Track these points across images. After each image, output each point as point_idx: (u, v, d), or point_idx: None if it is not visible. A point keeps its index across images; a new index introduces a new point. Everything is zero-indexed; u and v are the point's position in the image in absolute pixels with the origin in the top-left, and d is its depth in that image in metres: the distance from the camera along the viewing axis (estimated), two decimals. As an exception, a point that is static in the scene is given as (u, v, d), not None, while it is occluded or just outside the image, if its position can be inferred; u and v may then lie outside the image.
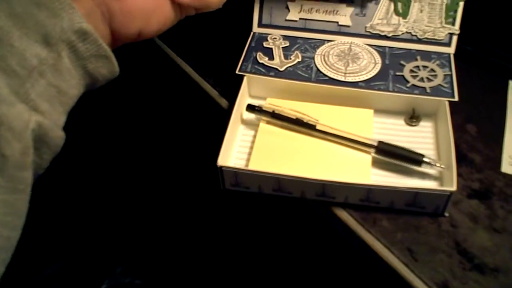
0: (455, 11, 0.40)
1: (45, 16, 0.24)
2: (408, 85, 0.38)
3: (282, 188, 0.34)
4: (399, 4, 0.41)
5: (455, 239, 0.32)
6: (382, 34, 0.41)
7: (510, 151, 0.38)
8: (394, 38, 0.41)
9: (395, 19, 0.41)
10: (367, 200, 0.33)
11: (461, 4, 0.40)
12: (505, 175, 0.36)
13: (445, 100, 0.37)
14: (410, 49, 0.41)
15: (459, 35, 0.42)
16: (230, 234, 0.65)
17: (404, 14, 0.41)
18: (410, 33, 0.41)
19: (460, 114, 0.40)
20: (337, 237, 0.35)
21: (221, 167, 0.34)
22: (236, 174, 0.34)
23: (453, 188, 0.31)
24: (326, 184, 0.33)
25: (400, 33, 0.41)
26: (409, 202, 0.33)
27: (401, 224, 0.33)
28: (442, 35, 0.40)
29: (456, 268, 0.31)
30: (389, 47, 0.41)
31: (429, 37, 0.41)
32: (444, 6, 0.40)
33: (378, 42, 0.41)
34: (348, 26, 0.42)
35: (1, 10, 0.23)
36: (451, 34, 0.40)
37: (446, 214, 0.33)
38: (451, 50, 0.40)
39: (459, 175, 0.36)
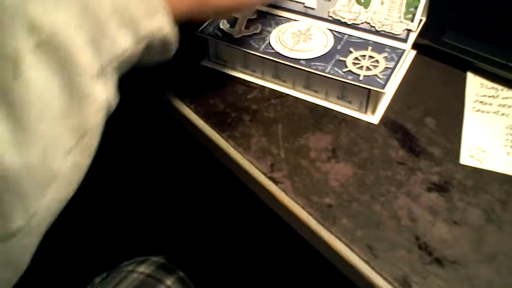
0: (416, 8, 0.41)
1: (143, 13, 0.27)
2: (345, 70, 0.40)
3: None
4: None
5: (414, 233, 0.33)
6: (343, 21, 0.43)
7: (469, 142, 0.38)
8: (353, 26, 0.43)
9: (356, 7, 0.43)
10: (309, 88, 0.41)
11: (423, 2, 0.40)
12: (464, 167, 0.37)
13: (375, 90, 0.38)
14: (367, 40, 0.42)
15: (421, 30, 0.43)
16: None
17: (365, 4, 0.42)
18: (369, 23, 0.42)
19: (419, 108, 0.41)
20: (298, 237, 0.36)
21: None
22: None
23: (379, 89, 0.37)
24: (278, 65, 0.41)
25: (359, 22, 0.42)
26: (339, 95, 0.39)
27: (361, 221, 0.34)
28: (399, 30, 0.41)
29: (416, 262, 0.31)
30: (348, 34, 0.43)
31: (387, 30, 0.42)
32: (404, 2, 0.41)
33: (338, 28, 0.43)
34: (313, 9, 0.44)
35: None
36: (408, 30, 0.41)
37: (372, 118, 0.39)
38: (407, 46, 0.41)
39: (418, 169, 0.37)
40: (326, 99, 0.42)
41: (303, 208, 0.35)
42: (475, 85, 0.43)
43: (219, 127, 0.40)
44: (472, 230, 0.33)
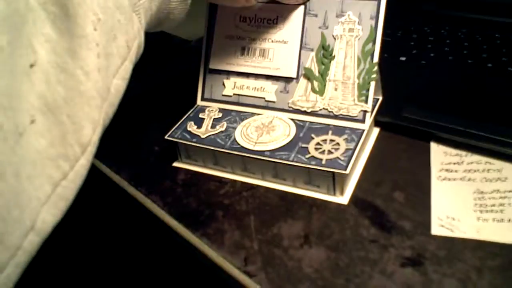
0: (367, 90, 0.43)
1: None
2: (307, 156, 0.41)
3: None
4: (316, 83, 0.45)
5: (392, 312, 0.33)
6: (302, 109, 0.45)
7: (439, 212, 0.39)
8: (313, 114, 0.45)
9: (312, 96, 0.45)
10: (277, 177, 0.43)
11: (373, 84, 0.43)
12: (436, 237, 0.37)
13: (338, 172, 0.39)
14: (328, 124, 0.44)
15: (380, 107, 0.45)
16: None
17: (320, 92, 0.45)
18: (326, 109, 0.44)
19: (387, 183, 0.42)
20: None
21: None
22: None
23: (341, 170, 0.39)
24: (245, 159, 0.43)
25: (318, 109, 0.45)
26: (307, 180, 0.41)
27: (337, 306, 0.33)
28: (355, 112, 0.43)
29: None
30: (309, 121, 0.45)
31: (344, 113, 0.44)
32: (356, 86, 0.44)
33: (299, 117, 0.45)
34: (273, 102, 0.46)
35: None
36: (364, 111, 0.43)
37: (342, 199, 0.41)
38: (365, 126, 0.43)
39: (390, 245, 0.37)
40: (295, 186, 0.43)
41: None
42: (440, 154, 0.45)
43: (193, 226, 0.41)
44: (449, 302, 0.33)
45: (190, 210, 0.43)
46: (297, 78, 0.46)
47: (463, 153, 0.44)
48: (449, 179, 0.42)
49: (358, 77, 0.43)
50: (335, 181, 0.40)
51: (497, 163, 0.43)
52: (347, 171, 0.39)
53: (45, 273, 0.69)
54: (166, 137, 0.46)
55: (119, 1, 0.29)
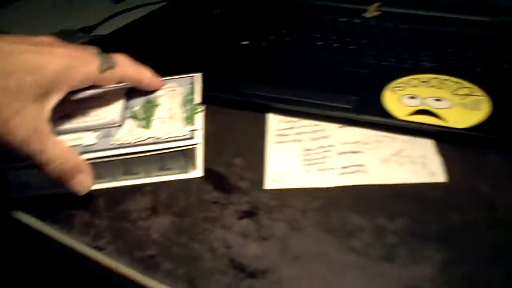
0: (193, 120, 0.45)
1: None
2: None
3: None
4: (141, 122, 0.46)
5: (229, 257, 0.37)
6: (127, 142, 0.44)
7: (272, 170, 0.45)
8: (139, 144, 0.44)
9: (138, 130, 0.45)
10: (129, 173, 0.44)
11: (198, 115, 0.46)
12: (269, 191, 0.43)
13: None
14: (157, 149, 0.43)
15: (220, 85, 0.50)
16: None
17: (146, 127, 0.45)
18: (153, 137, 0.44)
19: (229, 152, 0.47)
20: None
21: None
22: None
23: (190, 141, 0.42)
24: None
25: (145, 138, 0.44)
26: (159, 167, 0.43)
27: (181, 261, 0.37)
28: (184, 132, 0.44)
29: (232, 281, 0.35)
30: (135, 152, 0.43)
31: (172, 136, 0.44)
32: (182, 117, 0.46)
33: (124, 151, 0.43)
34: (93, 145, 0.44)
35: None
36: (192, 131, 0.44)
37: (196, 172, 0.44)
38: (196, 141, 0.43)
39: (230, 203, 0.42)
40: (149, 176, 0.45)
41: (128, 265, 0.38)
42: (275, 123, 0.51)
43: (42, 215, 0.43)
44: (278, 241, 0.38)
45: (38, 201, 0.44)
46: (121, 124, 0.46)
47: (295, 119, 0.51)
48: (282, 142, 0.48)
49: (184, 113, 0.46)
50: (186, 157, 0.44)
51: (322, 124, 0.50)
52: (196, 141, 0.43)
53: None
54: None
55: None
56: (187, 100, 0.48)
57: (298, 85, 0.53)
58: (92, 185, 0.42)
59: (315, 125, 0.50)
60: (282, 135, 0.49)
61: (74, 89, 0.43)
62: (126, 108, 0.48)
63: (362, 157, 0.45)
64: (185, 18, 0.75)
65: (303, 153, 0.46)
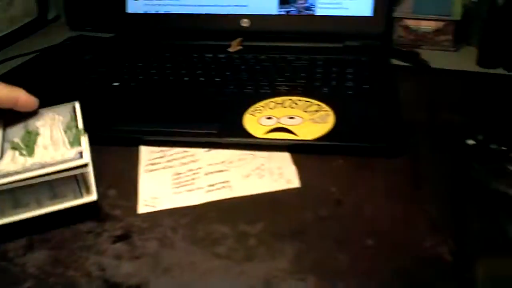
0: (79, 142, 0.46)
1: None
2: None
3: None
4: (23, 151, 0.45)
5: (104, 278, 0.40)
6: (11, 171, 0.42)
7: (144, 196, 0.48)
8: (25, 170, 0.42)
9: (21, 159, 0.44)
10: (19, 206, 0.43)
11: (83, 137, 0.46)
12: (142, 215, 0.46)
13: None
14: (45, 173, 0.42)
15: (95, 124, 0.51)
16: None
17: (29, 153, 0.44)
18: (40, 162, 0.43)
19: (102, 186, 0.50)
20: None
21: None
22: None
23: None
24: None
25: (30, 165, 0.43)
26: (51, 195, 0.43)
27: (57, 287, 0.39)
28: (71, 155, 0.44)
29: (107, 300, 0.38)
30: (22, 179, 0.42)
31: (59, 159, 0.43)
32: (67, 142, 0.46)
33: (10, 179, 0.41)
34: None
35: None
36: (80, 152, 0.44)
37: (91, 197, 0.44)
38: (85, 160, 0.43)
39: (104, 231, 0.45)
40: (41, 207, 0.44)
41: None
42: (147, 154, 0.54)
43: None
44: (150, 257, 0.41)
45: None
46: (1, 157, 0.44)
47: (166, 148, 0.55)
48: (154, 170, 0.52)
49: (68, 138, 0.46)
50: (79, 182, 0.44)
51: (191, 150, 0.54)
52: (86, 161, 0.42)
53: None
54: None
55: None
56: (70, 126, 0.48)
57: (167, 117, 0.58)
58: None
59: (185, 151, 0.54)
60: (153, 163, 0.53)
61: None
62: (4, 141, 0.46)
63: (227, 175, 0.50)
64: (58, 66, 0.78)
65: (173, 177, 0.50)
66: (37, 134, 0.47)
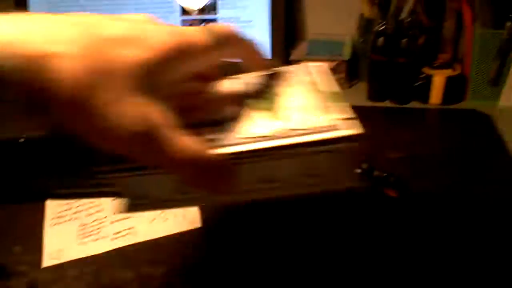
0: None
1: None
2: None
3: None
4: (266, 113, 0.32)
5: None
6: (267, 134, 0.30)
7: (50, 249, 0.49)
8: (285, 136, 0.30)
9: (266, 122, 0.31)
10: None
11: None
12: (47, 268, 0.47)
13: None
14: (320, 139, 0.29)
15: None
16: None
17: (278, 118, 0.32)
18: (295, 128, 0.30)
19: (7, 243, 0.51)
20: None
21: None
22: None
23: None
24: None
25: (284, 129, 0.30)
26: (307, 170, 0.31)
27: None
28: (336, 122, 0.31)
29: None
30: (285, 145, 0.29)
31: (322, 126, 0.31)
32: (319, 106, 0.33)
33: (272, 143, 0.29)
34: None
35: None
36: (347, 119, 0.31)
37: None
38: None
39: (9, 287, 0.45)
40: None
41: None
42: (53, 207, 0.56)
43: None
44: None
45: None
46: None
47: (73, 201, 0.56)
48: (60, 223, 0.53)
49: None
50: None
51: (97, 201, 0.56)
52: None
53: None
54: None
55: None
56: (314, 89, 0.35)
57: (71, 173, 0.59)
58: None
59: (91, 202, 0.56)
60: (60, 217, 0.54)
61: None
62: None
63: (133, 221, 0.52)
64: None
65: (79, 228, 0.52)
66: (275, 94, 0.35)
